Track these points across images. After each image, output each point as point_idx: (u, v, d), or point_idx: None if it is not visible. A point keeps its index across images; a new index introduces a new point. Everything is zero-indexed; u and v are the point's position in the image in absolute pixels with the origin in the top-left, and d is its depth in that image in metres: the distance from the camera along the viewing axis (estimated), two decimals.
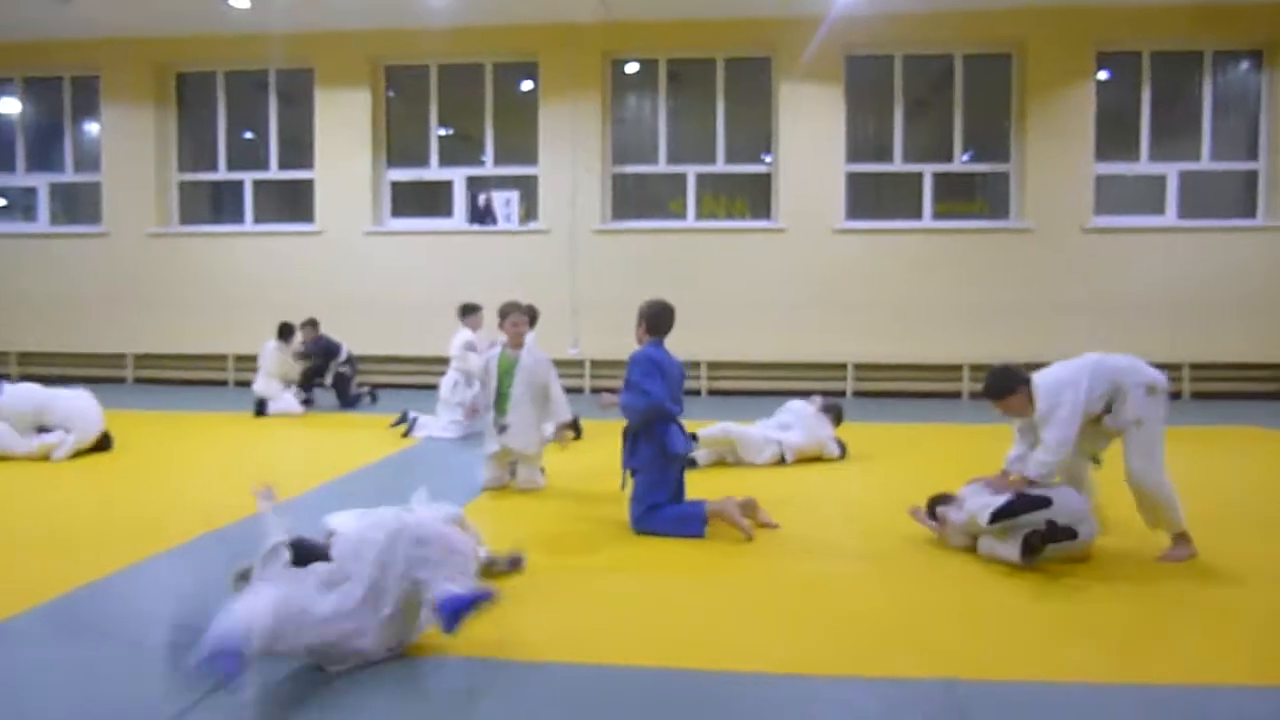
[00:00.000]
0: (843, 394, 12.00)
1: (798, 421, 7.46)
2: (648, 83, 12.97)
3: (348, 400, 10.82)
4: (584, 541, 5.06)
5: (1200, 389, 11.80)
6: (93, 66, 13.37)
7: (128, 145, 13.30)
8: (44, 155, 13.92)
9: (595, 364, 12.46)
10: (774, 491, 6.45)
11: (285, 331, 10.50)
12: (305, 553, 3.45)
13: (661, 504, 5.18)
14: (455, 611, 3.13)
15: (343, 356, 10.82)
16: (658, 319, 5.41)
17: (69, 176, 13.80)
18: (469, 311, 9.26)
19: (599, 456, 7.00)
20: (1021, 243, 12.14)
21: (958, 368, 12.12)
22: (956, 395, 12.08)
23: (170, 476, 7.04)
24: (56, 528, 5.39)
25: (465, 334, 9.14)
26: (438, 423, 8.83)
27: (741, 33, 12.35)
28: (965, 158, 12.55)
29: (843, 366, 12.23)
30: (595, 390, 12.37)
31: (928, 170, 12.47)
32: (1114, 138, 12.15)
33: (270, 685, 3.09)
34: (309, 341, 10.64)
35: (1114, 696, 3.11)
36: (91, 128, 13.78)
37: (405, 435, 8.67)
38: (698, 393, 12.35)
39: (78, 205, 13.85)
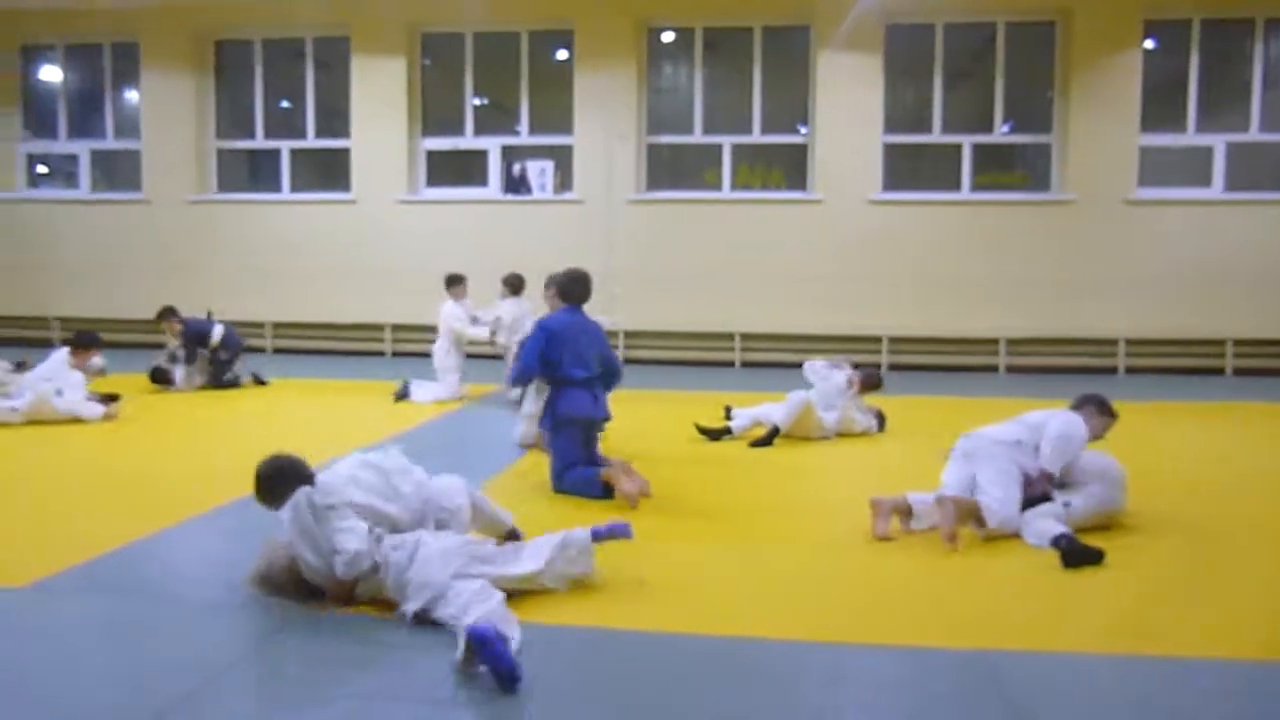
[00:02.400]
0: (878, 367, 11.91)
1: (834, 401, 7.32)
2: (684, 51, 12.85)
3: (220, 383, 9.65)
4: (611, 508, 5.08)
5: (1244, 365, 11.58)
6: (132, 33, 13.45)
7: (167, 113, 13.40)
8: (85, 122, 14.06)
9: (629, 334, 12.45)
10: (809, 460, 6.46)
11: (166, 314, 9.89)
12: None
13: (572, 465, 5.38)
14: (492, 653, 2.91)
15: (216, 339, 9.67)
16: (565, 287, 5.65)
17: (109, 144, 13.93)
18: (455, 282, 9.39)
19: (640, 419, 7.03)
20: (1062, 215, 11.95)
21: (994, 341, 11.98)
22: (994, 369, 11.96)
23: (208, 439, 7.16)
24: (88, 489, 5.49)
25: (451, 304, 9.26)
26: (432, 388, 9.01)
27: (779, 1, 12.19)
28: (1006, 128, 12.35)
29: (878, 339, 12.14)
30: (629, 360, 12.40)
31: (967, 141, 12.29)
32: (1160, 108, 11.89)
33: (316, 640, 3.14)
34: (178, 333, 9.72)
35: (1138, 668, 3.10)
36: (131, 95, 13.89)
37: (397, 400, 8.83)
38: (731, 364, 12.32)
39: (118, 172, 13.99)
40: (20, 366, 7.94)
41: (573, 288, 5.64)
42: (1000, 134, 12.32)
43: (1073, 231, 11.89)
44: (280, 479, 3.54)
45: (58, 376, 7.54)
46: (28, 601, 3.55)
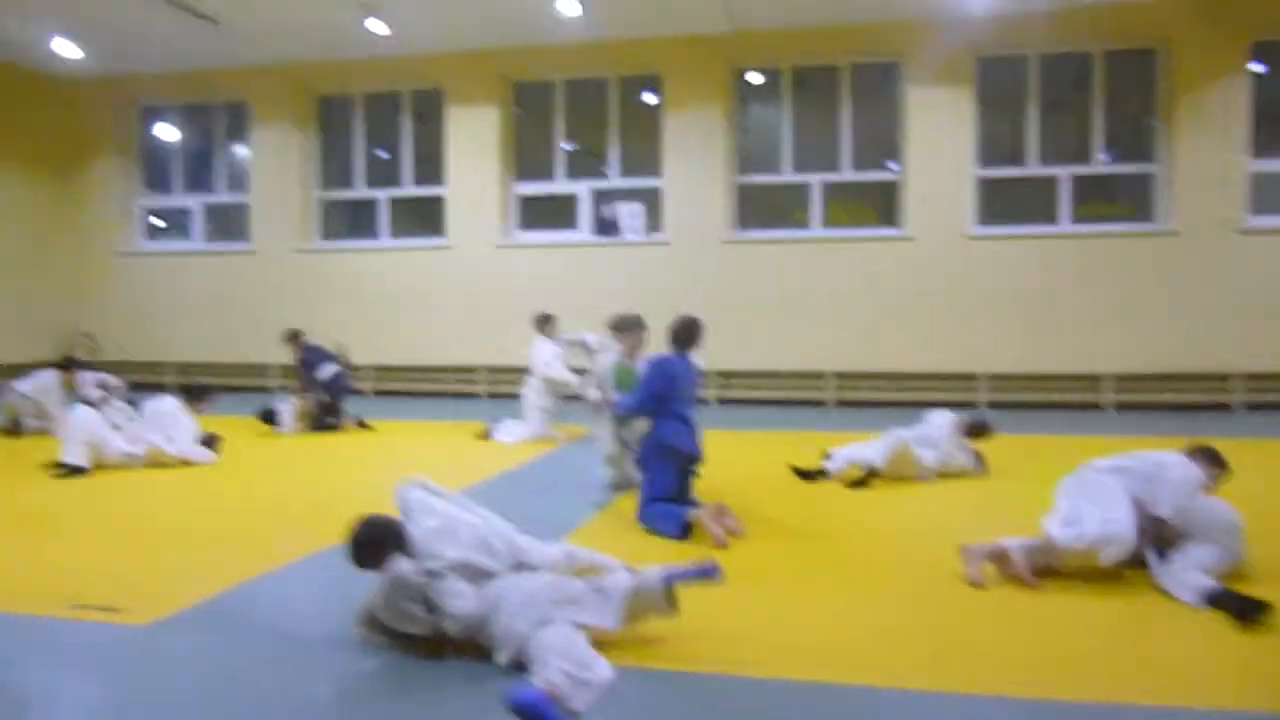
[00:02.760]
0: (974, 405, 11.65)
1: (936, 439, 7.16)
2: (772, 92, 12.91)
3: (322, 425, 9.84)
4: (698, 549, 5.04)
5: None
6: (243, 93, 14.16)
7: (274, 166, 14.03)
8: (198, 178, 14.81)
9: (721, 374, 12.43)
10: (908, 502, 6.32)
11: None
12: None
13: (660, 498, 5.47)
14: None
15: (323, 376, 9.93)
16: (677, 332, 5.83)
17: (221, 197, 14.63)
18: (546, 321, 9.51)
19: (733, 460, 6.99)
20: (1167, 246, 11.54)
21: (1098, 378, 11.60)
22: (1096, 407, 11.55)
23: (308, 482, 7.38)
24: (212, 528, 5.70)
25: (543, 344, 9.35)
26: (518, 429, 9.19)
27: (867, 38, 12.17)
28: (1105, 158, 12.03)
29: (974, 376, 11.86)
30: (721, 401, 12.37)
31: (1064, 172, 12.00)
32: (1272, 132, 11.44)
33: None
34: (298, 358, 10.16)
35: None
36: (241, 151, 14.59)
37: (484, 439, 9.14)
38: (824, 403, 12.19)
39: (229, 224, 14.67)
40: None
41: (685, 332, 5.81)
42: (1099, 164, 12.00)
43: (1179, 263, 11.47)
44: (375, 544, 3.56)
45: (170, 425, 7.90)
46: (145, 640, 3.70)
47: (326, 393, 9.92)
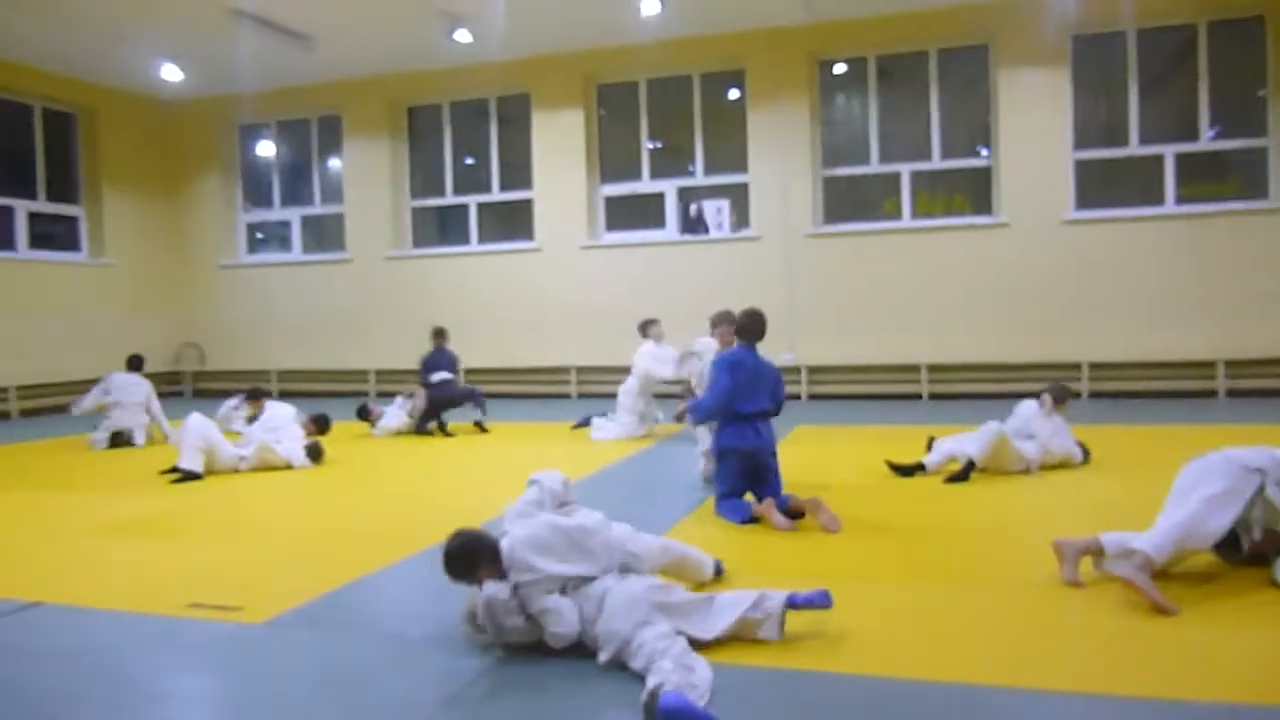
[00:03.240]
0: (1078, 395, 11.28)
1: (1032, 428, 6.96)
2: (856, 81, 12.72)
3: (420, 429, 10.07)
4: (821, 545, 4.99)
5: None
6: (335, 107, 14.58)
7: (366, 177, 14.41)
8: (295, 191, 15.30)
9: (812, 369, 12.30)
10: (1012, 500, 6.15)
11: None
12: None
13: (727, 495, 5.61)
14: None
15: (431, 379, 10.14)
16: (742, 325, 5.85)
17: (317, 209, 15.08)
18: (651, 324, 9.59)
19: (827, 455, 6.92)
20: None
21: (1211, 364, 11.10)
22: (1210, 394, 11.06)
23: (420, 482, 7.54)
24: (324, 528, 5.88)
25: (649, 345, 9.41)
26: (612, 428, 9.29)
27: (955, 22, 11.89)
28: (1212, 134, 11.50)
29: (1076, 366, 11.47)
30: (813, 396, 12.24)
31: (1169, 151, 11.53)
32: None
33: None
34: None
35: None
36: (334, 163, 15.01)
37: (575, 429, 9.61)
38: (918, 396, 11.95)
39: (325, 235, 15.12)
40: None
41: (749, 325, 5.82)
42: (1207, 141, 11.49)
43: None
44: (466, 560, 3.60)
45: (281, 428, 8.17)
46: (260, 638, 3.82)
47: (427, 399, 10.09)
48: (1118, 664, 3.29)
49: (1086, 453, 7.04)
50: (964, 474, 6.54)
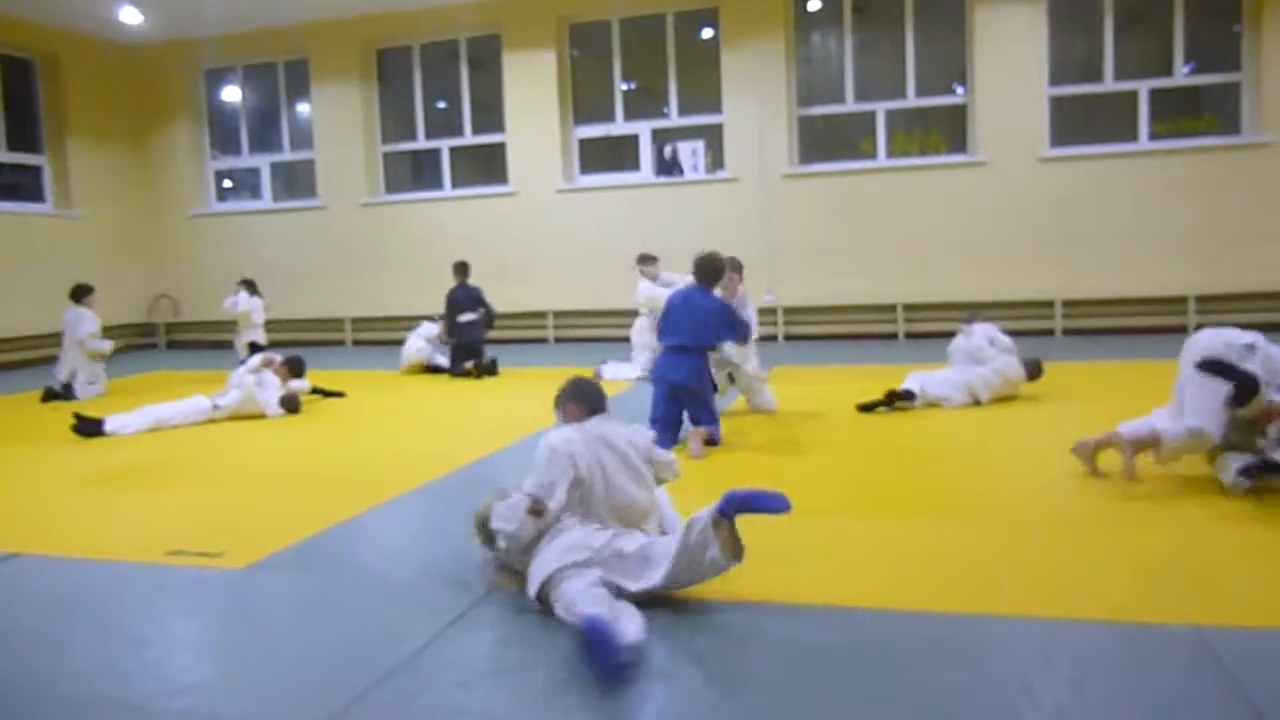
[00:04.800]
0: (1051, 333, 11.39)
1: (978, 354, 7.18)
2: (832, 19, 12.57)
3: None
4: (804, 482, 5.04)
5: None
6: (303, 50, 14.26)
7: (336, 121, 14.16)
8: (264, 137, 15.02)
9: (789, 310, 12.33)
10: (986, 431, 6.23)
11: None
12: None
13: (651, 418, 5.97)
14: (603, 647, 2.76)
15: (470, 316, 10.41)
16: (695, 266, 6.20)
17: (287, 155, 14.83)
18: (647, 260, 9.47)
19: (806, 396, 6.98)
20: (1257, 159, 11.03)
21: (1183, 300, 11.21)
22: (1181, 330, 11.18)
23: (398, 428, 7.54)
24: (303, 475, 5.88)
25: (646, 283, 9.34)
26: (624, 367, 9.42)
27: None
28: (1187, 70, 11.48)
29: (1050, 304, 11.57)
30: (790, 337, 12.28)
31: (1143, 87, 11.51)
32: None
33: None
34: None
35: None
36: (304, 108, 14.73)
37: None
38: (895, 336, 12.02)
39: (296, 181, 14.89)
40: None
41: (697, 267, 6.19)
42: (1181, 76, 11.47)
43: (1270, 176, 10.96)
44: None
45: (262, 378, 8.11)
46: (243, 582, 3.84)
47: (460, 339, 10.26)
48: (1080, 589, 3.37)
49: (1032, 369, 7.24)
50: (897, 401, 6.84)
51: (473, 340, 10.26)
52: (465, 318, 10.25)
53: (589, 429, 3.53)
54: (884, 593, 3.41)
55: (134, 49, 14.59)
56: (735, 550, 3.20)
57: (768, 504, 3.09)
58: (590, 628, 2.76)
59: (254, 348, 10.51)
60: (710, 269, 6.14)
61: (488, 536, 3.62)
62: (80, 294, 9.83)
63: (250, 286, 11.12)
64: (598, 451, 3.46)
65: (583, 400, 3.68)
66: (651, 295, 9.03)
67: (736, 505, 3.12)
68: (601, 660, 2.72)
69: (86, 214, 14.05)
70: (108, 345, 9.81)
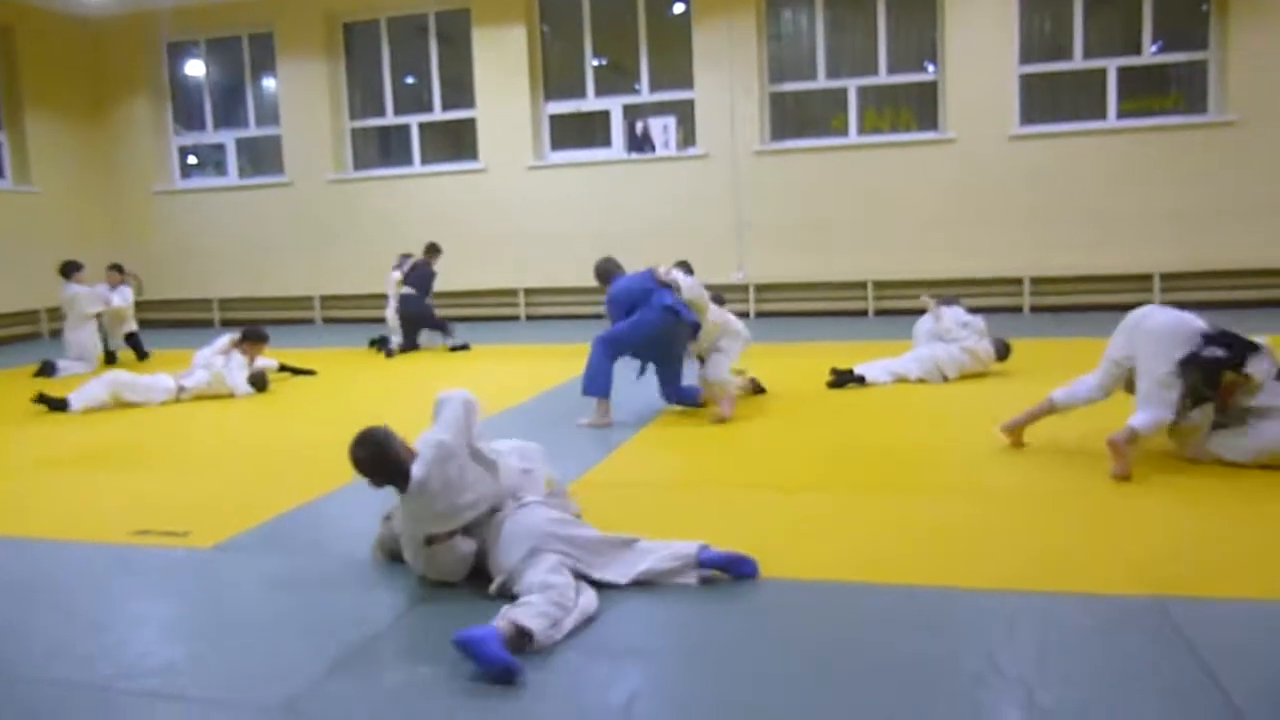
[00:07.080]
0: (1019, 310, 11.48)
1: (946, 333, 7.25)
2: None
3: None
4: (773, 458, 5.07)
5: None
6: (267, 23, 14.01)
7: (303, 97, 13.94)
8: (229, 112, 14.76)
9: (760, 288, 12.34)
10: (946, 408, 6.28)
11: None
12: None
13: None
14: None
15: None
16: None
17: (252, 131, 14.60)
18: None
19: (775, 372, 6.99)
20: (1223, 138, 11.13)
21: (1148, 277, 11.31)
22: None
23: (368, 406, 7.47)
24: (271, 455, 5.82)
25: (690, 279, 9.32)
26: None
27: None
28: (1155, 48, 11.56)
29: (1019, 281, 11.65)
30: (760, 314, 12.30)
31: (1112, 65, 11.57)
32: None
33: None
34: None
35: None
36: (269, 83, 14.50)
37: None
38: (864, 313, 12.07)
39: (261, 157, 14.67)
40: None
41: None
42: (1149, 55, 11.54)
43: (1235, 155, 11.06)
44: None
45: (229, 357, 8.01)
46: (211, 561, 3.80)
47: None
48: (1046, 563, 3.41)
49: (1000, 347, 7.33)
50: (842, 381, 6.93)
51: (410, 313, 10.32)
52: (404, 290, 10.34)
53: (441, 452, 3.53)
54: (853, 567, 3.44)
55: (93, 21, 14.28)
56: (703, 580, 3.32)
57: (738, 569, 3.32)
58: (463, 643, 2.70)
59: (131, 338, 10.46)
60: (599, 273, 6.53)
61: (391, 556, 3.63)
62: (70, 270, 9.91)
63: (120, 270, 10.68)
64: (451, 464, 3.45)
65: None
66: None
67: (710, 565, 3.31)
68: (487, 663, 2.66)
69: (45, 190, 13.77)
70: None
